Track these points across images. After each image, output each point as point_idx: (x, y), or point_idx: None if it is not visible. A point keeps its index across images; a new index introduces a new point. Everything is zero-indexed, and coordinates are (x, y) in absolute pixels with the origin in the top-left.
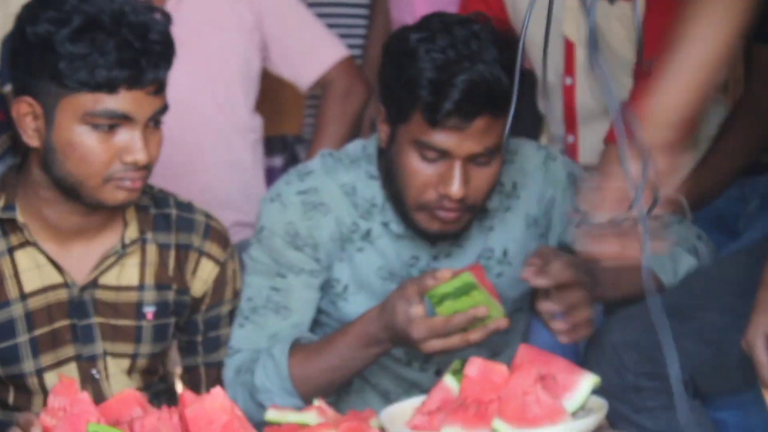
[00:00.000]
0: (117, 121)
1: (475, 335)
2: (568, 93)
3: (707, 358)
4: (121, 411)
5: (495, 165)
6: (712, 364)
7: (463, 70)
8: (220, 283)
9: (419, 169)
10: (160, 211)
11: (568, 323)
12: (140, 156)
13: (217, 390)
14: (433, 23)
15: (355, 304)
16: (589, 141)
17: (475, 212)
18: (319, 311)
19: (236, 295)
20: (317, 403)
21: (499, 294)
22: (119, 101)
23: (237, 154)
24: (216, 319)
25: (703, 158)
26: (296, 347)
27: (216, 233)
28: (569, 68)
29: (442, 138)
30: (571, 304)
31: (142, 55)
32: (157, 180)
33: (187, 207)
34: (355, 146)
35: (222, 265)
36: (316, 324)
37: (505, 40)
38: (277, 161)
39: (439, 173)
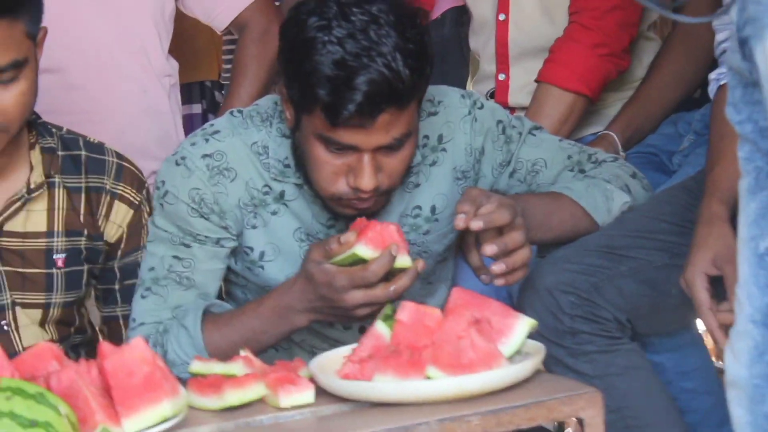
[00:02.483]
0: None
1: (399, 282)
2: (501, 29)
3: (644, 299)
4: (36, 365)
5: (408, 146)
6: (649, 305)
7: (362, 68)
8: (135, 226)
9: (327, 160)
10: (69, 153)
11: (504, 266)
12: None
13: (137, 340)
14: (329, 6)
15: (273, 270)
16: (521, 79)
17: (391, 193)
18: (238, 276)
19: None
20: (243, 353)
21: (425, 250)
22: None
23: (153, 100)
24: (133, 265)
25: (635, 95)
26: (208, 317)
27: (129, 174)
28: (503, 4)
29: (346, 135)
30: (507, 246)
31: None
32: (67, 128)
33: (97, 148)
34: (266, 102)
35: (137, 208)
36: (237, 288)
37: (408, 17)
38: (197, 108)
39: (348, 164)
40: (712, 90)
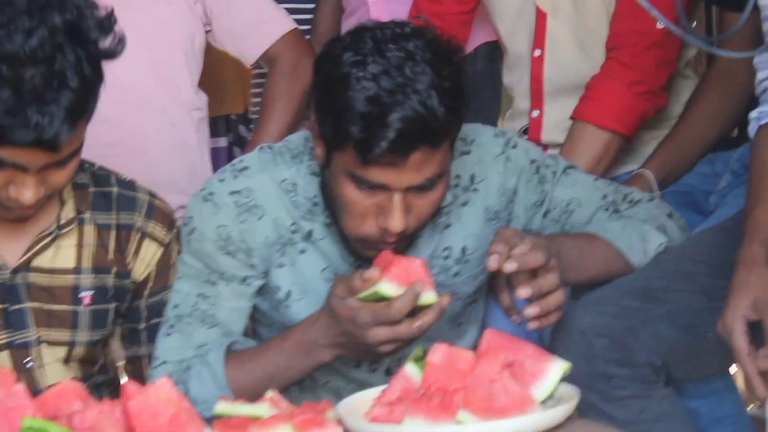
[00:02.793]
0: None
1: (424, 318)
2: (537, 65)
3: (680, 343)
4: (59, 404)
5: (440, 187)
6: (685, 349)
7: (396, 105)
8: (164, 265)
9: (356, 200)
10: (100, 190)
11: (539, 309)
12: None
13: (163, 381)
14: (365, 41)
15: (300, 310)
16: (555, 116)
17: (416, 234)
18: (264, 315)
19: None
20: (270, 394)
21: (455, 291)
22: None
23: (181, 134)
24: (160, 305)
25: (671, 133)
26: (231, 354)
27: (160, 212)
28: (539, 39)
29: (377, 174)
30: (542, 289)
31: None
32: (98, 162)
33: (129, 185)
34: (297, 138)
35: (166, 246)
36: (263, 327)
37: (445, 55)
38: (222, 142)
39: (378, 204)
40: (752, 129)
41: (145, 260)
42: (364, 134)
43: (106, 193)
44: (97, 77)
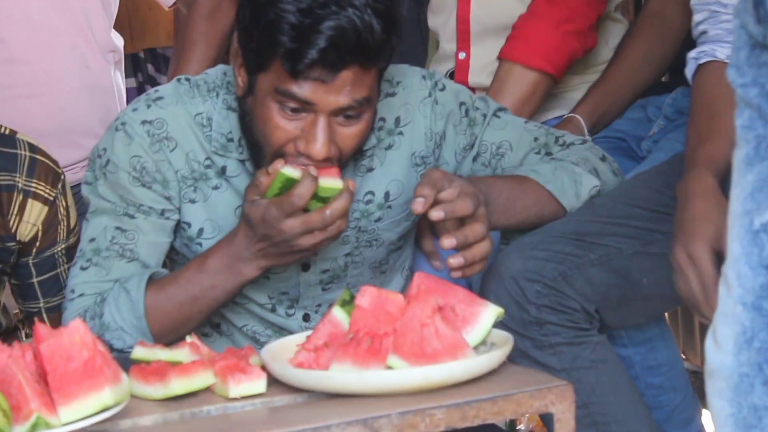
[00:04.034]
0: None
1: (333, 204)
2: (463, 5)
3: (614, 289)
4: None
5: (365, 119)
6: (619, 295)
7: (330, 15)
8: (51, 222)
9: (279, 123)
10: None
11: (463, 260)
12: None
13: (76, 323)
14: None
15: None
16: (483, 58)
17: (341, 166)
18: (178, 254)
19: (71, 231)
20: (190, 339)
21: (377, 238)
22: None
23: (96, 77)
24: (50, 259)
25: (601, 78)
26: (152, 282)
27: (43, 169)
28: None
29: (305, 89)
30: (468, 239)
31: None
32: (4, 104)
33: (8, 140)
34: (215, 71)
35: (52, 203)
36: (177, 266)
37: None
38: (131, 83)
39: (302, 128)
40: (690, 70)
41: (30, 221)
42: (295, 43)
43: None
44: None
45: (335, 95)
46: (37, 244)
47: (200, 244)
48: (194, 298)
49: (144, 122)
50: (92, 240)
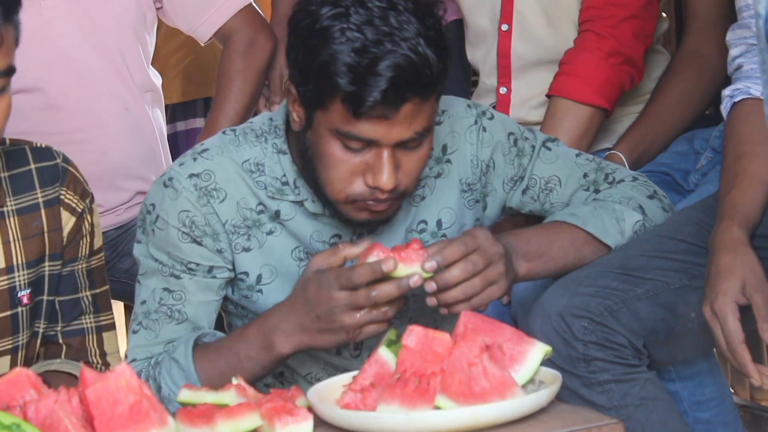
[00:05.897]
0: None
1: (381, 287)
2: (504, 40)
3: (661, 323)
4: (12, 394)
5: (426, 145)
6: (667, 330)
7: (385, 54)
8: (74, 235)
9: (343, 159)
10: (15, 172)
11: (435, 284)
12: None
13: (122, 367)
14: None
15: (272, 293)
16: (524, 93)
17: (407, 196)
18: (237, 307)
19: (93, 252)
20: (236, 381)
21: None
22: None
23: (136, 118)
24: (71, 277)
25: (643, 114)
26: (199, 347)
27: (72, 178)
28: (506, 14)
29: (367, 129)
30: (446, 258)
31: None
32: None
33: (47, 153)
34: (260, 119)
35: (79, 215)
36: (237, 318)
37: (425, 6)
38: (199, 123)
39: (366, 162)
40: (725, 107)
41: (61, 228)
42: (355, 86)
43: (24, 174)
44: None
45: (398, 129)
46: (65, 253)
47: (260, 291)
48: (233, 368)
49: (191, 176)
50: (143, 303)
